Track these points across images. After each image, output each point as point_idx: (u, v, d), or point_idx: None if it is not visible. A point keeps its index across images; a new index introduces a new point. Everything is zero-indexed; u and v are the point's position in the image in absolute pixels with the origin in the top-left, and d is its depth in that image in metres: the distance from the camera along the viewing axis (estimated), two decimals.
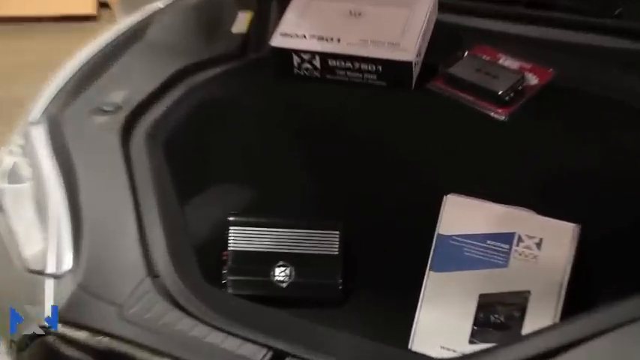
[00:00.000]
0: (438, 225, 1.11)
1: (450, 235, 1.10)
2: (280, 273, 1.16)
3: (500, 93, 1.12)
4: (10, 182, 1.08)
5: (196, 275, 1.00)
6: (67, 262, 0.97)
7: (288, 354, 0.88)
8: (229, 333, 0.90)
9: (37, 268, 0.98)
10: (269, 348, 0.89)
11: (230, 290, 1.14)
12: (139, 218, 1.00)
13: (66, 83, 1.16)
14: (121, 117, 1.10)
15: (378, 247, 1.21)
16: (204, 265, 1.06)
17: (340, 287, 1.16)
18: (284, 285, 1.16)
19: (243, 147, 1.25)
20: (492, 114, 1.12)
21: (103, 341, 0.91)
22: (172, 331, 0.90)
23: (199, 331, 0.90)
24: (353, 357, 0.91)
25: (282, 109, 1.25)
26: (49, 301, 0.95)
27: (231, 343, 0.89)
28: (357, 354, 0.92)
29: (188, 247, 1.03)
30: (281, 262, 1.16)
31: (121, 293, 0.94)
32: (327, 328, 0.96)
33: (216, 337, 0.90)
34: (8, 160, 1.10)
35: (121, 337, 0.91)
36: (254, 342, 0.89)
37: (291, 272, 1.16)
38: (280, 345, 0.89)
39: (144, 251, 0.97)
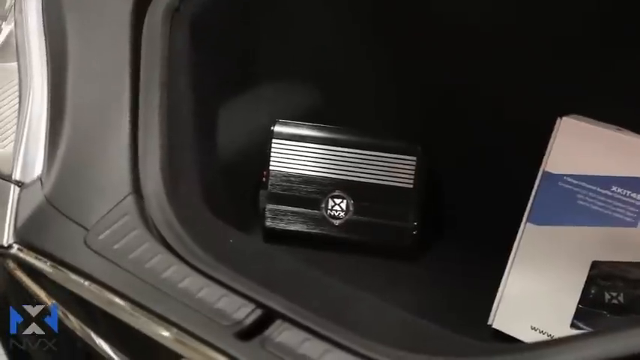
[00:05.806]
0: (545, 158, 0.81)
1: (561, 175, 0.79)
2: (334, 206, 0.89)
3: None
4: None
5: (195, 201, 0.77)
6: (37, 168, 0.76)
7: (280, 315, 0.64)
8: (213, 279, 0.67)
9: (5, 172, 0.77)
10: (258, 305, 0.65)
11: (268, 223, 0.89)
12: (135, 118, 0.77)
13: None
14: None
15: (465, 183, 0.94)
16: (235, 189, 0.86)
17: (414, 232, 0.89)
18: (337, 222, 0.89)
19: (301, 33, 0.97)
20: None
21: (61, 274, 0.70)
22: (141, 269, 0.68)
23: (176, 272, 0.67)
24: (371, 335, 0.64)
25: None
26: (8, 216, 0.74)
27: (211, 293, 0.66)
28: (381, 332, 0.66)
29: (194, 163, 0.80)
30: (337, 192, 0.90)
31: (95, 213, 0.72)
32: (353, 290, 0.72)
33: (194, 283, 0.67)
34: (4, 30, 0.89)
35: (77, 268, 0.69)
36: (241, 295, 0.65)
37: (348, 206, 0.89)
38: (274, 303, 0.65)
39: (132, 163, 0.75)
